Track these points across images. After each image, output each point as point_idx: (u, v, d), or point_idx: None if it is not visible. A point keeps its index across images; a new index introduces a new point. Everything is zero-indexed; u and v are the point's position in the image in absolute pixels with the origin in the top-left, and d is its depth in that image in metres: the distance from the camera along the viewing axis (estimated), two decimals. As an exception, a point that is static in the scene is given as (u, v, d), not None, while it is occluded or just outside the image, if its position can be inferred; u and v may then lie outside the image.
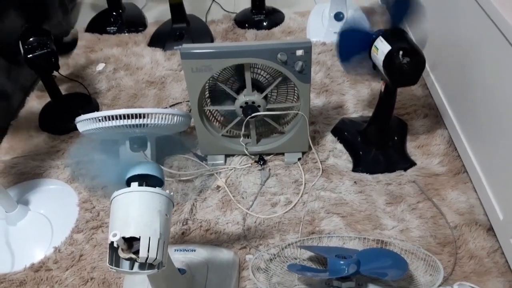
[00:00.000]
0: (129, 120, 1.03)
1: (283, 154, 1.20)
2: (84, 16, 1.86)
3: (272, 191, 1.12)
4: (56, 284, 0.96)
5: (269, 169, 1.18)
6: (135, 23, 1.77)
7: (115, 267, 0.64)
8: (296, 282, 0.91)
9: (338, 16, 1.61)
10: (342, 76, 1.45)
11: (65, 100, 1.40)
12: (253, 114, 1.10)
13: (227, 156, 1.22)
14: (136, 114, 1.03)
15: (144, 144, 1.14)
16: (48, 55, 1.20)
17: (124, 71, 1.54)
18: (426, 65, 1.00)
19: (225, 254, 0.96)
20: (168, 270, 0.71)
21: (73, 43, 1.56)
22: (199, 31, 1.68)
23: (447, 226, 1.01)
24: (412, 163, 1.15)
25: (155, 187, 0.70)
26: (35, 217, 1.07)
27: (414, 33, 1.20)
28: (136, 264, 0.65)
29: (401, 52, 0.95)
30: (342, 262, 0.81)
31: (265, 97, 1.09)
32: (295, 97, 1.12)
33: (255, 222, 1.05)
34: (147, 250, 0.62)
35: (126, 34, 1.73)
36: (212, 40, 1.67)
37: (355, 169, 1.15)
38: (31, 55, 1.18)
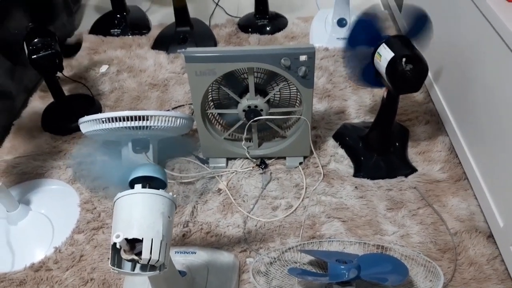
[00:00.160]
0: (132, 122, 1.03)
1: (284, 158, 1.20)
2: (89, 18, 1.87)
3: (273, 194, 1.13)
4: (56, 284, 0.96)
5: (271, 173, 1.18)
6: (139, 25, 1.78)
7: (117, 268, 0.64)
8: (296, 286, 0.91)
9: (341, 22, 1.62)
10: (345, 82, 1.45)
11: (68, 101, 1.40)
12: (255, 118, 1.10)
13: (228, 159, 1.22)
14: (139, 116, 1.03)
15: (146, 146, 1.14)
16: (52, 56, 1.20)
17: (127, 73, 1.55)
18: (429, 72, 1.01)
19: (225, 257, 0.96)
20: (169, 272, 0.71)
21: (77, 46, 1.56)
22: (202, 35, 1.69)
23: (448, 233, 1.01)
24: (413, 169, 1.16)
25: (158, 189, 0.70)
26: (36, 217, 1.07)
27: (418, 46, 1.21)
28: (138, 266, 0.65)
29: (404, 59, 0.96)
30: (342, 266, 0.82)
31: (268, 101, 1.10)
32: (298, 101, 1.13)
33: (256, 225, 1.05)
34: (150, 251, 0.63)
35: (130, 36, 1.73)
36: (215, 44, 1.68)
37: (356, 174, 1.16)
38: (35, 56, 1.19)
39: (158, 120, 1.05)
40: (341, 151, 1.23)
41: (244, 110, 1.10)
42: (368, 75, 1.10)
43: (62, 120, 1.36)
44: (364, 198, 1.09)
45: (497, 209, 0.96)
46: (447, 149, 1.20)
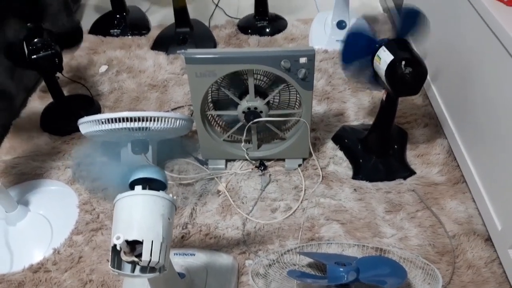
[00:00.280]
0: (132, 123, 1.03)
1: (283, 160, 1.21)
2: (88, 18, 1.87)
3: (272, 196, 1.13)
4: (55, 286, 0.96)
5: (270, 175, 1.18)
6: (139, 26, 1.78)
7: (117, 270, 0.64)
8: (295, 288, 0.91)
9: (340, 24, 1.63)
10: (344, 84, 1.46)
11: (67, 101, 1.40)
12: (255, 120, 1.10)
13: (228, 160, 1.22)
14: (138, 117, 1.03)
15: (145, 147, 1.14)
16: (52, 56, 1.20)
17: (126, 73, 1.55)
18: (428, 75, 1.02)
19: (224, 259, 0.96)
20: (168, 273, 0.71)
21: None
22: (202, 36, 1.69)
23: (446, 235, 1.02)
24: (411, 172, 1.16)
25: (158, 190, 0.70)
26: (35, 217, 1.07)
27: (416, 44, 1.22)
28: (138, 267, 0.65)
29: (403, 62, 0.96)
30: (341, 269, 0.82)
31: (268, 103, 1.10)
32: (297, 103, 1.13)
33: (255, 227, 1.06)
34: (150, 253, 0.63)
35: (130, 37, 1.73)
36: (215, 45, 1.68)
37: (355, 176, 1.16)
38: (35, 56, 1.18)
39: (158, 121, 1.05)
40: (340, 153, 1.23)
41: (243, 112, 1.10)
42: (367, 77, 1.10)
43: (61, 121, 1.36)
44: (363, 201, 1.10)
45: (495, 212, 0.96)
46: (446, 152, 1.20)
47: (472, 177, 1.06)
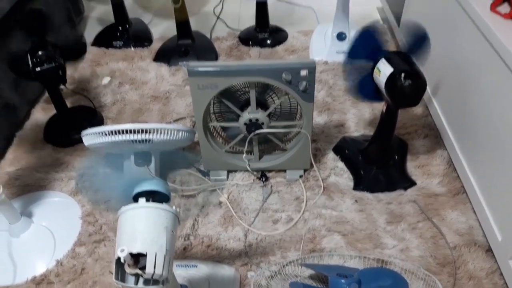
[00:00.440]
0: (135, 135, 1.04)
1: (285, 171, 1.21)
2: (91, 30, 1.89)
3: (273, 208, 1.13)
4: (58, 297, 0.96)
5: (271, 186, 1.19)
6: (141, 38, 1.80)
7: (120, 282, 0.64)
8: (297, 300, 0.92)
9: (340, 36, 1.65)
10: (344, 95, 1.47)
11: (71, 113, 1.42)
12: (256, 131, 1.11)
13: (229, 171, 1.23)
14: (142, 129, 1.04)
15: (148, 159, 1.14)
16: (56, 69, 1.22)
17: (129, 85, 1.57)
18: (427, 87, 1.03)
19: (226, 271, 0.97)
20: (171, 285, 0.72)
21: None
22: (204, 48, 1.71)
23: (447, 246, 1.02)
24: (412, 183, 1.17)
25: (162, 203, 0.71)
26: (38, 229, 1.08)
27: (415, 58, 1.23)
28: (141, 280, 0.66)
29: (403, 75, 0.97)
30: (343, 281, 0.82)
31: (269, 115, 1.11)
32: (298, 115, 1.14)
33: (257, 238, 1.06)
34: (154, 266, 0.63)
35: (132, 49, 1.75)
36: (216, 57, 1.70)
37: (356, 187, 1.17)
38: (39, 69, 1.20)
39: (161, 133, 1.06)
40: (341, 164, 1.24)
41: (245, 124, 1.11)
42: (367, 89, 1.12)
43: (65, 132, 1.37)
44: (364, 212, 1.10)
45: (496, 223, 0.97)
46: (446, 162, 1.21)
47: (472, 188, 1.07)
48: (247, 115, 1.10)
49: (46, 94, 1.51)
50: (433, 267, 0.98)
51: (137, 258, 0.65)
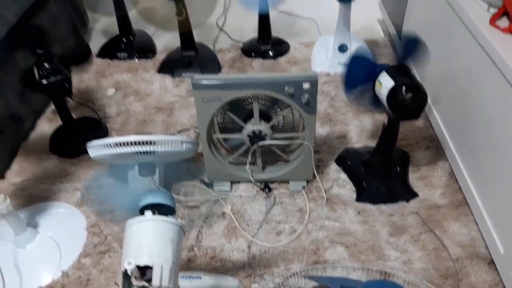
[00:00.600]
0: (140, 147, 1.06)
1: (288, 182, 1.23)
2: (96, 42, 1.91)
3: (277, 219, 1.14)
4: (63, 308, 0.97)
5: (274, 197, 1.20)
6: (145, 49, 1.83)
7: (127, 295, 0.65)
8: (300, 311, 0.92)
9: (342, 48, 1.67)
10: (346, 106, 1.49)
11: (76, 124, 1.43)
12: (259, 143, 1.13)
13: (233, 183, 1.24)
14: (147, 141, 1.06)
15: (152, 169, 1.16)
16: (62, 82, 1.24)
17: (133, 96, 1.59)
18: (428, 99, 1.04)
19: (230, 282, 0.97)
20: (177, 298, 0.73)
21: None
22: (207, 59, 1.73)
23: (449, 259, 1.03)
24: (414, 194, 1.18)
25: (167, 215, 0.72)
26: (44, 240, 1.09)
27: (417, 69, 1.25)
28: (147, 292, 0.67)
29: (404, 88, 0.99)
30: (346, 293, 0.83)
31: (272, 127, 1.13)
32: (301, 126, 1.16)
33: (260, 250, 1.07)
34: (160, 278, 0.64)
35: (136, 60, 1.77)
36: (219, 68, 1.72)
37: (359, 199, 1.18)
38: (45, 81, 1.22)
39: (165, 144, 1.07)
40: (344, 176, 1.25)
41: (248, 135, 1.13)
42: (368, 97, 1.13)
43: (70, 143, 1.39)
44: (367, 223, 1.11)
45: (498, 235, 0.98)
46: (447, 174, 1.22)
47: (474, 200, 1.08)
48: (250, 127, 1.12)
49: (52, 105, 1.53)
50: (436, 279, 0.98)
51: (144, 271, 0.66)
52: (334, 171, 1.27)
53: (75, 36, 1.85)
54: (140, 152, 1.07)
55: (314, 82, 1.04)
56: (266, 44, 1.79)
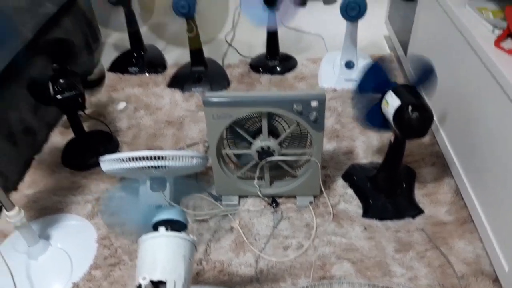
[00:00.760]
0: (152, 162, 1.08)
1: (295, 197, 1.25)
2: (107, 56, 1.96)
3: (284, 234, 1.16)
4: (74, 320, 0.99)
5: (282, 212, 1.22)
6: (156, 64, 1.87)
7: (140, 309, 0.67)
8: (307, 327, 0.93)
9: (348, 64, 1.70)
10: (352, 122, 1.51)
11: (88, 137, 1.46)
12: (268, 159, 1.15)
13: (241, 197, 1.26)
14: (159, 156, 1.08)
15: (163, 184, 1.19)
16: (76, 97, 1.27)
17: (144, 110, 1.62)
18: (434, 116, 1.06)
19: (238, 296, 0.99)
20: (187, 312, 0.75)
21: (99, 80, 1.60)
22: (216, 75, 1.77)
23: (455, 275, 1.03)
24: (420, 211, 1.19)
25: (180, 231, 0.75)
26: (56, 252, 1.11)
27: (423, 90, 1.27)
28: (160, 306, 0.69)
29: (410, 107, 1.01)
30: (353, 309, 0.84)
31: (280, 143, 1.15)
32: (308, 142, 1.18)
33: (267, 265, 1.08)
34: (173, 294, 0.66)
35: (147, 74, 1.81)
36: (228, 84, 1.75)
37: (365, 215, 1.19)
38: (60, 97, 1.25)
39: (177, 160, 1.10)
40: (350, 191, 1.27)
41: (257, 151, 1.15)
42: (375, 118, 1.15)
43: (82, 156, 1.42)
44: (373, 239, 1.13)
45: (502, 253, 0.99)
46: (453, 191, 1.24)
47: (479, 217, 1.09)
48: (259, 143, 1.14)
49: (64, 118, 1.56)
50: (442, 296, 0.99)
51: (157, 286, 0.68)
52: (340, 186, 1.28)
53: (87, 51, 1.90)
54: (152, 167, 1.10)
55: (322, 100, 1.06)
56: (274, 60, 1.82)
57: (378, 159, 1.32)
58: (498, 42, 1.05)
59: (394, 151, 1.16)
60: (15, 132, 1.38)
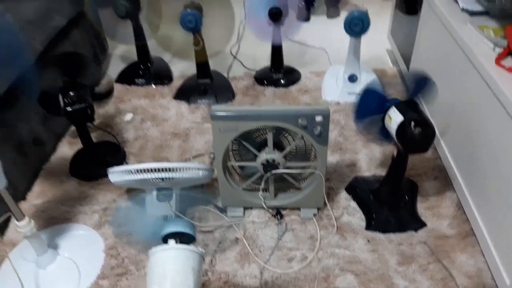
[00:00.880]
0: (159, 173, 1.11)
1: (299, 209, 1.26)
2: (114, 68, 1.99)
3: (288, 245, 1.18)
4: (81, 329, 1.00)
5: (286, 224, 1.24)
6: (162, 76, 1.90)
7: (150, 320, 0.69)
8: (311, 338, 0.95)
9: (352, 78, 1.72)
10: (355, 135, 1.53)
11: (96, 148, 1.49)
12: (273, 171, 1.17)
13: (245, 208, 1.28)
14: (167, 168, 1.11)
15: (170, 195, 1.21)
16: (85, 109, 1.30)
17: (150, 121, 1.65)
18: (436, 131, 1.09)
19: (243, 307, 1.00)
20: (195, 323, 0.76)
21: (108, 93, 1.62)
22: (221, 87, 1.80)
23: (457, 289, 1.05)
24: (422, 224, 1.21)
25: (188, 243, 0.77)
26: (64, 261, 1.13)
27: (425, 103, 1.30)
28: (169, 317, 0.71)
29: (412, 123, 1.04)
30: (357, 322, 0.85)
31: (285, 156, 1.17)
32: (313, 156, 1.20)
33: (272, 276, 1.10)
34: (182, 305, 0.68)
35: (153, 86, 1.85)
36: (233, 96, 1.78)
37: (368, 227, 1.21)
38: (70, 109, 1.28)
39: (184, 171, 1.12)
40: (354, 204, 1.28)
41: (262, 163, 1.17)
42: (377, 128, 1.18)
43: (89, 166, 1.44)
44: (376, 252, 1.14)
45: (504, 267, 1.00)
46: (455, 205, 1.25)
47: (480, 231, 1.11)
48: (264, 156, 1.16)
49: (72, 128, 1.59)
50: (444, 309, 1.01)
51: (167, 297, 0.70)
52: (344, 199, 1.30)
53: (95, 63, 1.93)
54: (159, 178, 1.12)
55: (326, 115, 1.09)
56: (278, 72, 1.85)
57: (381, 172, 1.34)
58: (498, 60, 1.07)
59: (397, 165, 1.18)
60: (24, 143, 1.40)
